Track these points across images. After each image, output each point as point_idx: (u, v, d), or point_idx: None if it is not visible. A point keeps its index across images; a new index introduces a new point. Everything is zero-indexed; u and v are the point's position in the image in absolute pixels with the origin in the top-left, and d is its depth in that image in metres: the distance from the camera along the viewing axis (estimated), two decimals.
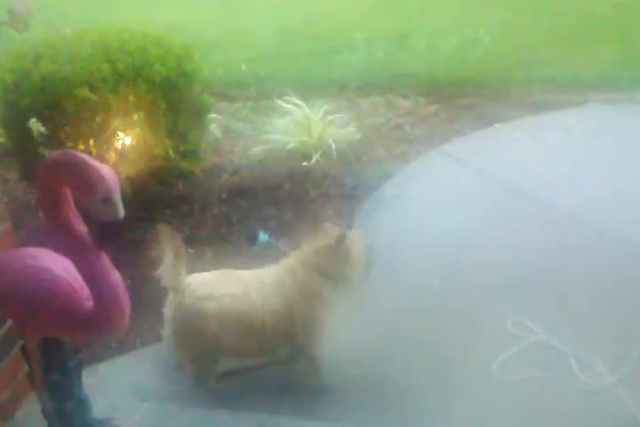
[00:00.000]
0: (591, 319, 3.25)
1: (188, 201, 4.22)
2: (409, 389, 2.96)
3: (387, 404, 2.88)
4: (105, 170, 2.05)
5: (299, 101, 4.98)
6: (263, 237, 3.80)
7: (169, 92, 3.83)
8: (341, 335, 2.94)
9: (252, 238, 3.79)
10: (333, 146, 4.69)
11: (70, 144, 3.66)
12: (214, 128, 4.84)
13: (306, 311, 2.82)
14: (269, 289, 2.84)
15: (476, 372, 3.02)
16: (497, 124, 5.17)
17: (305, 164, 4.63)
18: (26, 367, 2.52)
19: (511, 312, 3.30)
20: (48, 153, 3.67)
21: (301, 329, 2.84)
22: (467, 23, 6.72)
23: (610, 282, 3.49)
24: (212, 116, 4.62)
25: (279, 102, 5.05)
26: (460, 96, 5.55)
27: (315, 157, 4.65)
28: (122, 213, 2.06)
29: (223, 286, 2.86)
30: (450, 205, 4.26)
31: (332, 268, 2.85)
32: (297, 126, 4.85)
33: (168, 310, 2.88)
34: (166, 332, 2.94)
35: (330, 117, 4.91)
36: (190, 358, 2.94)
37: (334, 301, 2.86)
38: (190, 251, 3.82)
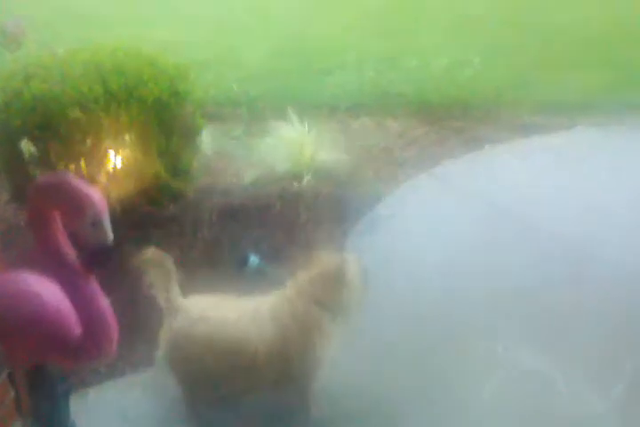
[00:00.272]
0: (582, 345, 3.25)
1: (178, 222, 4.20)
2: (399, 415, 2.94)
3: None
4: (94, 194, 2.05)
5: (290, 123, 4.98)
6: (254, 259, 3.79)
7: (161, 112, 3.82)
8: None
9: (243, 261, 3.79)
10: (324, 167, 4.69)
11: (61, 164, 3.64)
12: (206, 148, 4.83)
13: (303, 343, 2.76)
14: (265, 318, 2.78)
15: (466, 396, 3.01)
16: (487, 147, 5.19)
17: (296, 185, 4.63)
18: (12, 393, 2.49)
19: (502, 336, 3.30)
20: (38, 173, 3.65)
21: (297, 361, 2.77)
22: (457, 44, 6.76)
23: (599, 305, 3.49)
24: (204, 136, 4.61)
25: (271, 123, 5.06)
26: (450, 118, 5.57)
27: (306, 178, 4.64)
28: (110, 236, 2.06)
29: (217, 310, 2.82)
30: (440, 227, 4.27)
31: (329, 298, 2.78)
32: (288, 147, 4.85)
33: (162, 332, 2.84)
34: (159, 354, 2.90)
35: (321, 139, 4.91)
36: (180, 382, 2.91)
37: (332, 331, 2.80)
38: (180, 272, 3.81)
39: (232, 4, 8.23)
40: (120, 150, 3.76)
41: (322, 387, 2.89)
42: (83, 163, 3.66)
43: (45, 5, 8.02)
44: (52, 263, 2.18)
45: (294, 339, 2.75)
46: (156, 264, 2.76)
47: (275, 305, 2.81)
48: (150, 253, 2.78)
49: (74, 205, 2.04)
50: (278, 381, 2.84)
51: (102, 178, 3.68)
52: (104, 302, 2.20)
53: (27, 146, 3.79)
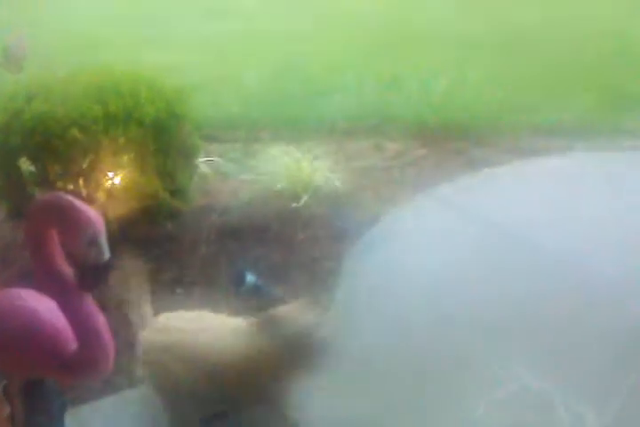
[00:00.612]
0: (579, 363, 3.24)
1: (176, 240, 4.22)
2: None
3: None
4: (92, 213, 2.08)
5: (288, 144, 5.02)
6: (250, 278, 3.80)
7: (159, 133, 3.86)
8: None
9: (239, 280, 3.79)
10: (322, 188, 4.72)
11: (60, 183, 3.67)
12: (204, 169, 4.86)
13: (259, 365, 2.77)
14: (227, 333, 2.81)
15: (461, 416, 3.00)
16: (486, 169, 5.20)
17: (294, 205, 4.65)
18: (8, 409, 2.49)
19: (499, 356, 3.29)
20: (37, 192, 3.68)
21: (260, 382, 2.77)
22: (456, 67, 6.81)
23: (600, 326, 3.49)
24: (202, 157, 4.65)
25: (269, 144, 5.10)
26: (450, 140, 5.58)
27: (304, 199, 4.67)
28: (107, 255, 2.08)
29: (181, 322, 2.83)
30: (439, 249, 4.26)
31: (283, 339, 2.81)
32: (286, 168, 4.88)
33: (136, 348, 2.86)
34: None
35: (318, 159, 4.95)
36: (158, 396, 2.88)
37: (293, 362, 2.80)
38: (178, 291, 3.83)
39: (230, 27, 8.30)
40: (118, 170, 3.80)
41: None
42: (81, 182, 3.69)
43: (45, 27, 8.10)
44: (48, 281, 2.20)
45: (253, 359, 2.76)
46: (130, 276, 2.77)
47: (240, 327, 2.84)
48: (127, 264, 2.80)
49: (71, 224, 2.07)
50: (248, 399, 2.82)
51: (100, 197, 3.71)
52: (100, 319, 2.22)
53: (25, 165, 3.83)
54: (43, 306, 2.27)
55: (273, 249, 4.19)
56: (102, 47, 7.43)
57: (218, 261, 4.09)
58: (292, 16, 8.74)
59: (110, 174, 3.79)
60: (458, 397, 3.08)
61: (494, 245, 4.26)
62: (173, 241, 4.22)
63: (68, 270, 2.19)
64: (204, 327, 2.83)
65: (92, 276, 2.13)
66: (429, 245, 4.34)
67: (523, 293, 3.77)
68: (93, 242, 2.06)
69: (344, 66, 6.98)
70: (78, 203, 2.10)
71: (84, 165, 3.70)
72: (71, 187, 3.65)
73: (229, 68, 7.08)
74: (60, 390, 2.49)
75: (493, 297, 3.75)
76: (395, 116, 5.93)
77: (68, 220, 2.08)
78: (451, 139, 5.60)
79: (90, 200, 3.45)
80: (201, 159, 4.64)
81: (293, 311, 2.87)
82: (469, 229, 4.45)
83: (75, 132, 3.61)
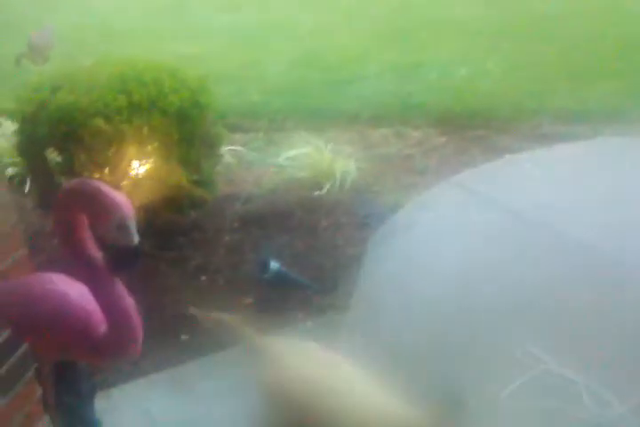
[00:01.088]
0: (602, 348, 3.25)
1: (200, 229, 4.27)
2: None
3: None
4: (120, 197, 2.11)
5: (311, 133, 5.05)
6: (274, 265, 3.84)
7: (182, 122, 3.89)
8: None
9: (263, 267, 3.84)
10: (344, 176, 4.74)
11: (86, 173, 3.72)
12: (227, 158, 4.91)
13: None
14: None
15: (485, 401, 3.02)
16: (507, 156, 5.20)
17: (317, 193, 4.68)
18: (39, 391, 2.55)
19: (521, 341, 3.31)
20: (64, 181, 3.73)
21: None
22: (476, 54, 6.80)
23: (622, 310, 3.49)
24: (225, 146, 4.68)
25: (291, 133, 5.13)
26: (470, 127, 5.59)
27: (326, 187, 4.70)
28: (136, 238, 2.11)
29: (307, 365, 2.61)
30: (461, 235, 4.28)
31: None
32: (309, 157, 4.91)
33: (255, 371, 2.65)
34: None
35: (340, 148, 4.97)
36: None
37: None
38: (203, 278, 3.87)
39: (253, 17, 8.33)
40: (143, 159, 3.84)
41: None
42: (106, 171, 3.74)
43: (68, 20, 8.17)
44: (78, 265, 2.24)
45: None
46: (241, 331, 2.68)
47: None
48: (233, 320, 2.71)
49: (100, 208, 2.10)
50: None
51: (125, 186, 3.75)
52: (130, 303, 2.25)
53: (52, 155, 3.89)
54: (73, 290, 2.30)
55: (296, 236, 4.22)
56: (125, 38, 7.49)
57: (242, 248, 4.12)
58: (311, 6, 8.76)
59: (135, 164, 3.83)
60: (481, 381, 3.11)
61: (515, 231, 4.28)
62: (198, 229, 4.27)
63: (97, 255, 2.22)
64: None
65: (122, 259, 2.17)
66: (450, 232, 4.36)
67: (544, 278, 3.79)
68: (122, 226, 2.09)
69: (364, 54, 6.99)
70: (105, 187, 2.14)
71: (109, 155, 3.74)
72: (97, 176, 3.69)
73: (251, 58, 7.12)
74: (89, 373, 2.54)
75: (514, 283, 3.77)
76: (415, 104, 5.94)
77: (96, 204, 2.11)
78: (471, 126, 5.60)
79: (115, 189, 3.48)
80: (224, 148, 4.67)
81: None
82: (490, 216, 4.47)
83: (99, 121, 3.64)
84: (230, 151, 5.02)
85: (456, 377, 3.11)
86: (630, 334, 3.34)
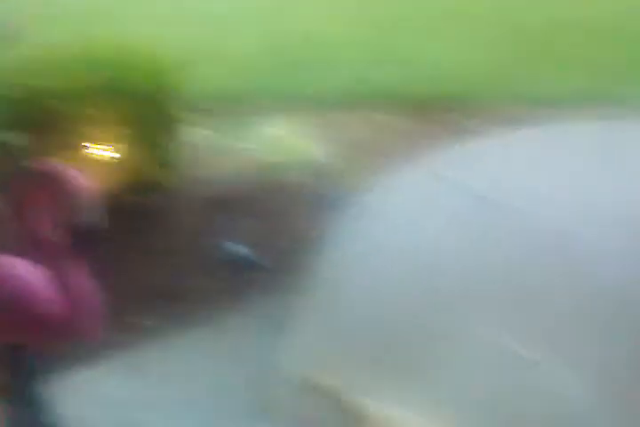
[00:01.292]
0: (567, 333, 3.28)
1: (164, 212, 4.26)
2: None
3: None
4: (82, 179, 2.12)
5: (277, 117, 5.04)
6: (237, 249, 3.86)
7: (147, 105, 3.89)
8: None
9: (227, 251, 3.86)
10: (311, 160, 4.75)
11: (49, 156, 3.70)
12: (194, 141, 4.89)
13: None
14: None
15: (447, 382, 3.05)
16: (475, 140, 5.21)
17: (283, 176, 4.69)
18: None
19: (485, 324, 3.33)
20: (24, 163, 3.72)
21: None
22: (445, 38, 6.79)
23: (587, 296, 3.51)
24: (192, 129, 4.67)
25: (258, 117, 5.12)
26: (439, 111, 5.60)
27: (293, 170, 4.70)
28: (98, 220, 2.11)
29: None
30: (428, 219, 4.29)
31: None
32: (277, 140, 4.92)
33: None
34: None
35: (307, 132, 4.97)
36: None
37: None
38: (164, 261, 3.88)
39: (221, 4, 8.26)
40: (105, 142, 3.83)
41: None
42: (68, 154, 3.73)
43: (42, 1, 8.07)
44: (36, 247, 2.23)
45: None
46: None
47: None
48: None
49: (63, 189, 2.10)
50: None
51: (87, 168, 3.74)
52: (90, 285, 2.25)
53: (15, 138, 3.87)
54: (27, 272, 2.29)
55: (260, 220, 4.23)
56: (97, 21, 7.40)
57: (203, 231, 4.13)
58: None
59: (98, 146, 3.82)
60: (443, 365, 3.14)
61: (482, 216, 4.29)
62: (160, 212, 4.26)
63: (55, 237, 2.21)
64: None
65: (82, 241, 2.16)
66: (416, 217, 4.37)
67: (510, 263, 3.81)
68: (83, 207, 2.10)
69: (332, 39, 6.96)
70: (68, 169, 2.14)
71: (73, 138, 3.73)
72: (58, 158, 3.67)
73: (221, 42, 7.07)
74: (43, 355, 2.53)
75: (480, 268, 3.79)
76: (384, 88, 5.94)
77: (58, 185, 2.11)
78: (440, 110, 5.61)
79: (77, 171, 3.49)
80: (192, 131, 4.66)
81: None
82: (457, 201, 4.48)
83: (63, 104, 3.64)
84: (197, 134, 5.01)
85: (416, 359, 3.15)
86: (600, 319, 3.36)
